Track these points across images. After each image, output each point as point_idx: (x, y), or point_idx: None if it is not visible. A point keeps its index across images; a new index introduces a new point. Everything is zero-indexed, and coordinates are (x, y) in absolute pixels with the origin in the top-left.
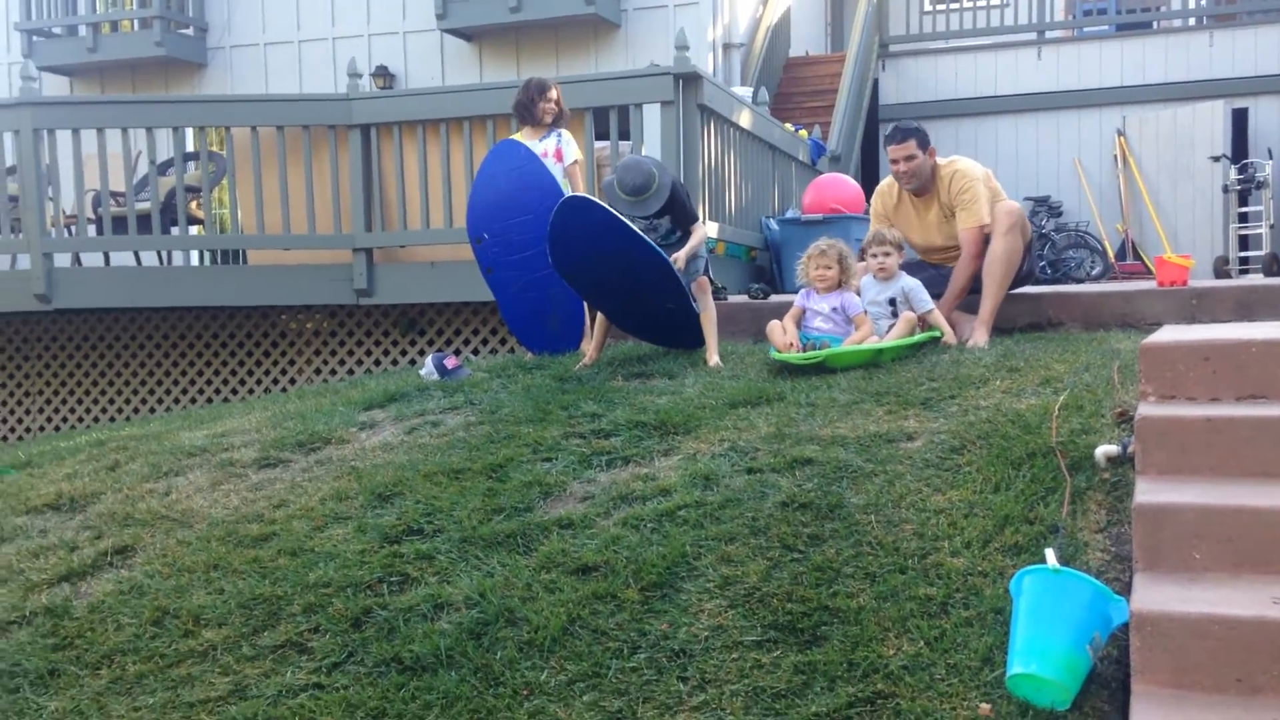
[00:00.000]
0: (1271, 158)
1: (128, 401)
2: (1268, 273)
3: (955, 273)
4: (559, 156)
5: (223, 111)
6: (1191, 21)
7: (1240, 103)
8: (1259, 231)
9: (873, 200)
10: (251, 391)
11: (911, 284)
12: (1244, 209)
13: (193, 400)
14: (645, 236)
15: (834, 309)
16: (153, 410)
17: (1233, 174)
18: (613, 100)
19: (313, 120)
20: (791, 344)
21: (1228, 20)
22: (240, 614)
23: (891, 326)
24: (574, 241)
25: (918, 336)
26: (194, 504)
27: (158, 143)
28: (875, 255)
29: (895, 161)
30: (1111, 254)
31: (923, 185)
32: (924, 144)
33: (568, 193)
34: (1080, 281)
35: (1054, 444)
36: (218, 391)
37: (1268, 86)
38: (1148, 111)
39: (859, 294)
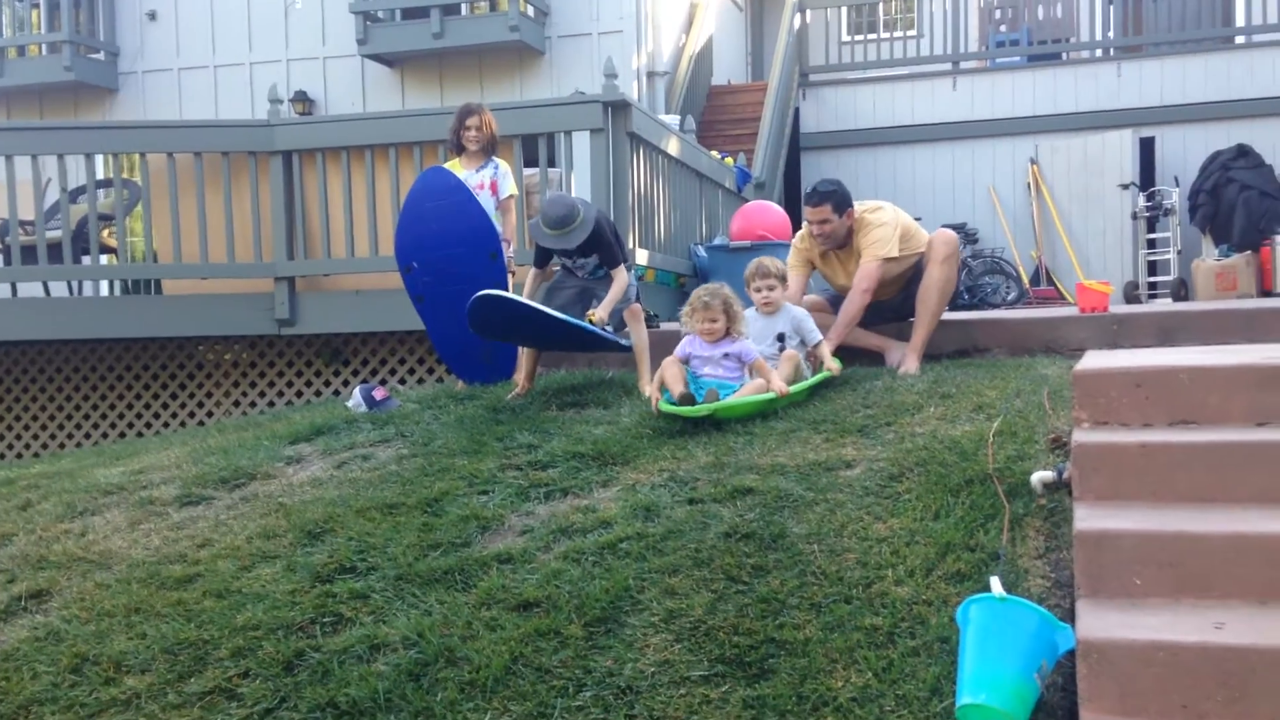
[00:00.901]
0: (1178, 185)
1: (35, 437)
2: (1176, 297)
3: (845, 303)
4: (494, 189)
5: (139, 138)
6: (1099, 53)
7: (1147, 131)
8: (1167, 257)
9: (794, 243)
10: (167, 426)
11: (799, 314)
12: (1152, 235)
13: (105, 436)
14: (564, 317)
15: (725, 354)
16: (62, 446)
17: (1141, 201)
18: (542, 128)
19: (233, 147)
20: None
21: (1134, 52)
22: (165, 659)
23: (776, 370)
24: (494, 323)
25: (811, 380)
26: (112, 545)
27: (70, 170)
28: (759, 290)
29: (810, 223)
30: (1026, 280)
31: (840, 243)
32: (840, 208)
33: (498, 225)
34: (996, 307)
35: (991, 470)
36: (130, 426)
37: (1173, 116)
38: (1059, 140)
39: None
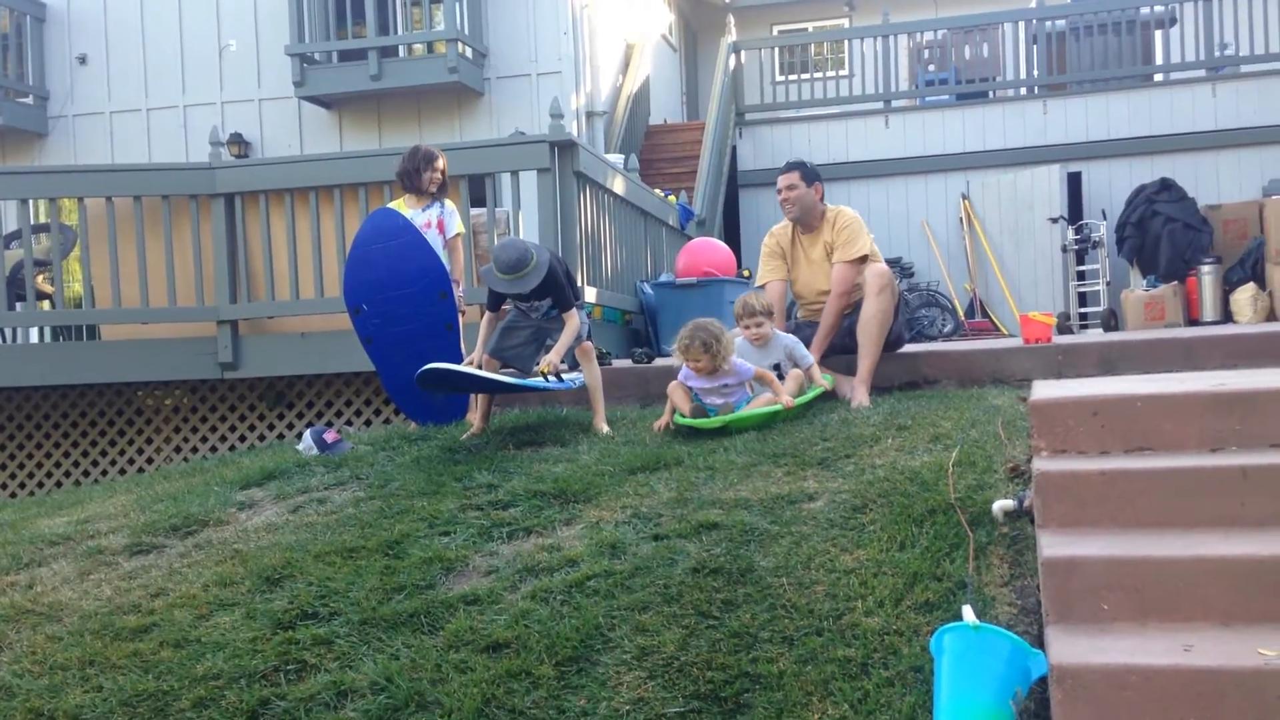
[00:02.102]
0: (1105, 218)
1: None
2: (1106, 328)
3: (825, 310)
4: (440, 228)
5: (77, 182)
6: (1025, 91)
7: (1075, 166)
8: (1096, 289)
9: (765, 240)
10: (106, 474)
11: (790, 340)
12: (1081, 267)
13: (40, 485)
14: (516, 382)
15: (724, 385)
16: None
17: (1070, 234)
18: (489, 168)
19: (173, 190)
20: (696, 409)
21: (1059, 90)
22: (123, 712)
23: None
24: (445, 385)
25: (811, 392)
26: (62, 596)
27: (2, 215)
28: (748, 327)
29: (779, 190)
30: (961, 312)
31: (808, 221)
32: (808, 178)
33: (447, 265)
34: (933, 339)
35: (952, 500)
36: (69, 475)
37: (1098, 151)
38: (989, 176)
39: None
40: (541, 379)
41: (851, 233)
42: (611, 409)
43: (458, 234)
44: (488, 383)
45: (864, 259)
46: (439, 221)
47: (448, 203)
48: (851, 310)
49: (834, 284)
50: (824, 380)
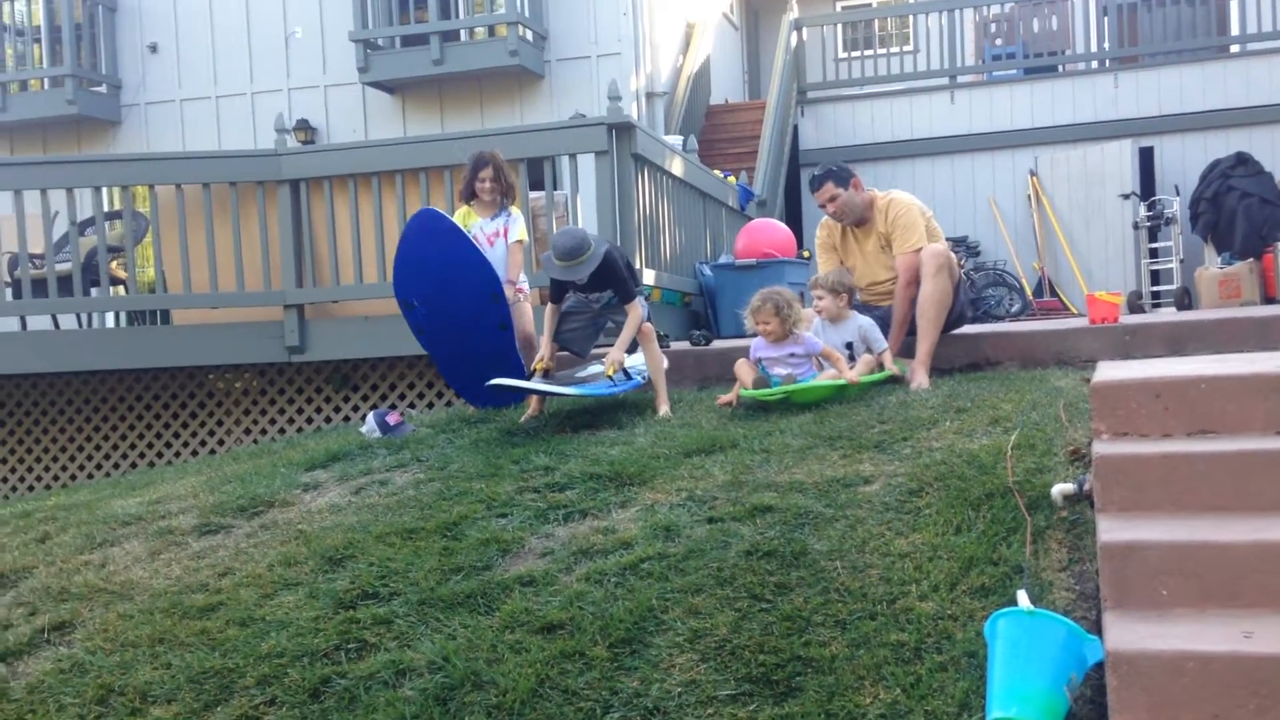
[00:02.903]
0: (1178, 194)
1: (47, 470)
2: (1180, 306)
3: (895, 301)
4: (506, 235)
5: (147, 170)
6: (1096, 64)
7: (1146, 141)
8: (1169, 266)
9: (818, 232)
10: (178, 455)
11: (867, 323)
12: (1154, 245)
13: (116, 466)
14: (575, 392)
15: (790, 354)
16: (74, 479)
17: (1142, 211)
18: (547, 151)
19: (240, 177)
20: (759, 380)
21: (1130, 62)
22: (190, 689)
23: (851, 369)
24: (507, 396)
25: (879, 374)
26: (133, 575)
27: (78, 203)
28: (819, 300)
29: (823, 206)
30: (1029, 291)
31: (860, 217)
32: (841, 181)
33: (501, 272)
34: (1000, 319)
35: (1011, 484)
36: (142, 456)
37: (1171, 125)
38: (1058, 152)
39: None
40: (608, 381)
41: (906, 222)
42: (670, 391)
43: (519, 240)
44: (554, 393)
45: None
46: (505, 229)
47: (514, 210)
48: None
49: (900, 274)
50: (895, 367)
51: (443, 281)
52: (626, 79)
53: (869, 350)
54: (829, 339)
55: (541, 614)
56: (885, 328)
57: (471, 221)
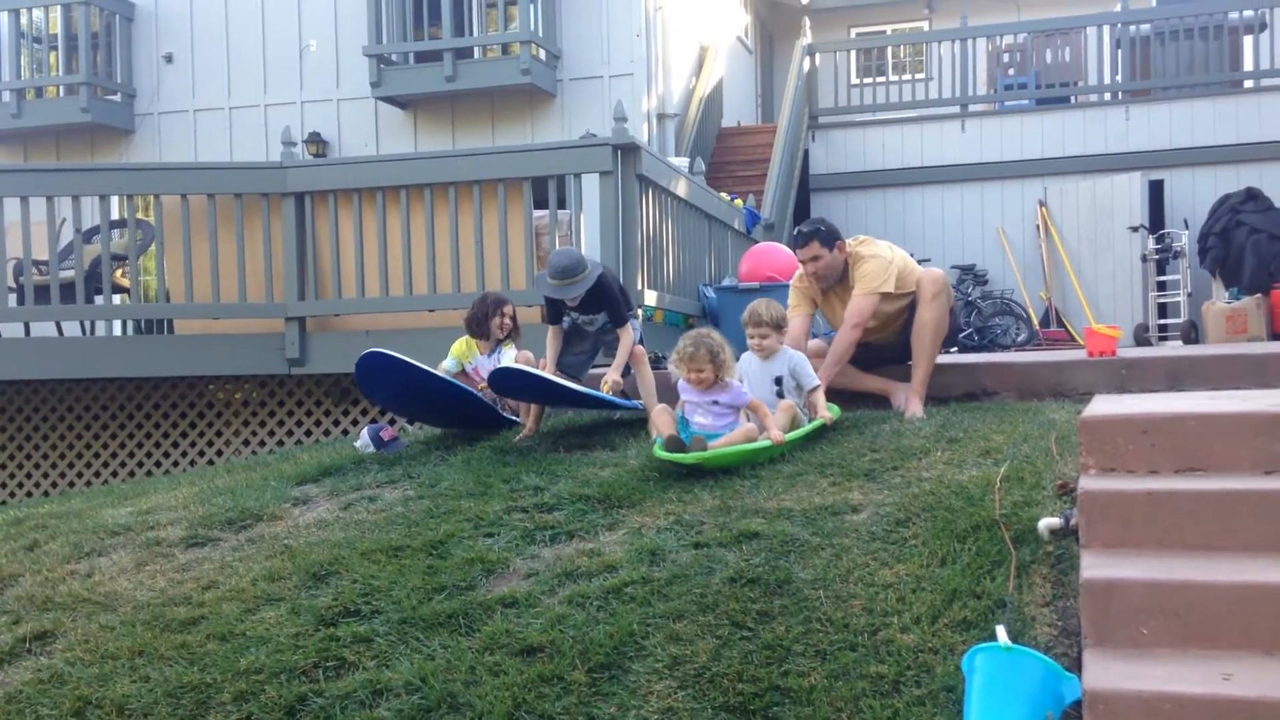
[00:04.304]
0: (1187, 228)
1: (45, 476)
2: (1186, 340)
3: (835, 340)
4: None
5: (153, 179)
6: (1108, 96)
7: (1156, 174)
8: (1177, 299)
9: (793, 282)
10: (176, 465)
11: (796, 358)
12: (1162, 278)
13: (114, 475)
14: (583, 389)
15: (714, 401)
16: (72, 485)
17: (1150, 244)
18: (552, 170)
19: (246, 188)
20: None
21: (1142, 95)
22: (167, 703)
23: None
24: (518, 389)
25: (809, 426)
26: (118, 586)
27: (84, 211)
28: (752, 337)
29: (804, 263)
30: (1036, 321)
31: (838, 278)
32: (828, 242)
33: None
34: (1006, 348)
35: (997, 517)
36: (140, 465)
37: (1181, 159)
38: (1068, 183)
39: (740, 378)
40: (607, 395)
41: (872, 269)
42: None
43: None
44: (563, 390)
45: (888, 294)
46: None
47: (509, 348)
48: (904, 325)
49: (848, 315)
50: (828, 412)
51: (416, 399)
52: (638, 100)
53: (798, 386)
54: (759, 373)
55: (522, 636)
56: (880, 360)
57: (474, 355)
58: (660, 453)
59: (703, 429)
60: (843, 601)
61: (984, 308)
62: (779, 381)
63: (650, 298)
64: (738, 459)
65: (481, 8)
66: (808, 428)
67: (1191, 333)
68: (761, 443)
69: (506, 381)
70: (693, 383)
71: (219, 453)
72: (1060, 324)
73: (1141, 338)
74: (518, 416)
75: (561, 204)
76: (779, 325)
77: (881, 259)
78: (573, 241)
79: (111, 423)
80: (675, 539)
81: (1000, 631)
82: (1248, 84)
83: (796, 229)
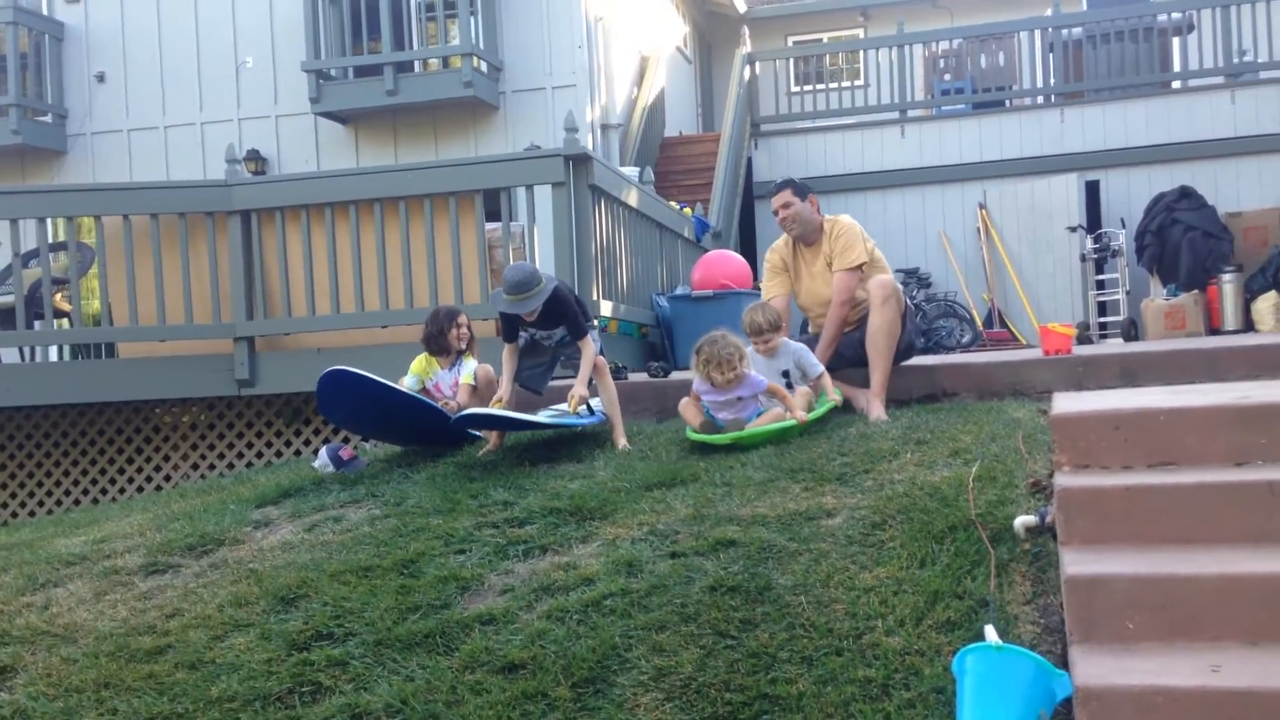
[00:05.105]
0: (1124, 227)
1: None
2: (1126, 337)
3: (827, 319)
4: (454, 387)
5: (94, 200)
6: (1042, 99)
7: (1092, 175)
8: (1116, 298)
9: (767, 255)
10: (124, 491)
11: (799, 348)
12: (1100, 276)
13: (59, 503)
14: (545, 422)
15: (737, 397)
16: (15, 515)
17: (1089, 243)
18: (504, 182)
19: (190, 208)
20: (705, 423)
21: (1076, 98)
22: None
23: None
24: (477, 424)
25: (822, 408)
26: (77, 617)
27: (21, 234)
28: (756, 345)
29: (776, 212)
30: (980, 322)
31: (808, 234)
32: (800, 192)
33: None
34: (951, 350)
35: (973, 516)
36: (85, 493)
37: (1116, 160)
38: (1007, 185)
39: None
40: (574, 416)
41: (847, 240)
42: (628, 423)
43: (468, 382)
44: (524, 424)
45: (862, 266)
46: (456, 381)
47: (469, 360)
48: (860, 322)
49: (834, 293)
50: (835, 394)
51: (378, 417)
52: (581, 111)
53: (804, 375)
54: (766, 369)
55: (502, 653)
56: (841, 363)
57: (434, 371)
58: (693, 435)
59: (726, 422)
60: (825, 607)
61: (928, 310)
62: (786, 374)
63: (605, 308)
64: (768, 437)
65: (421, 21)
66: (823, 408)
67: (1131, 330)
68: (788, 421)
69: (471, 423)
70: (725, 384)
71: (167, 478)
72: (1003, 324)
73: (1083, 336)
74: (480, 432)
75: (513, 216)
76: (776, 326)
77: (854, 231)
78: (526, 254)
79: (55, 450)
80: (651, 549)
81: (989, 631)
82: (1176, 85)
83: (773, 184)
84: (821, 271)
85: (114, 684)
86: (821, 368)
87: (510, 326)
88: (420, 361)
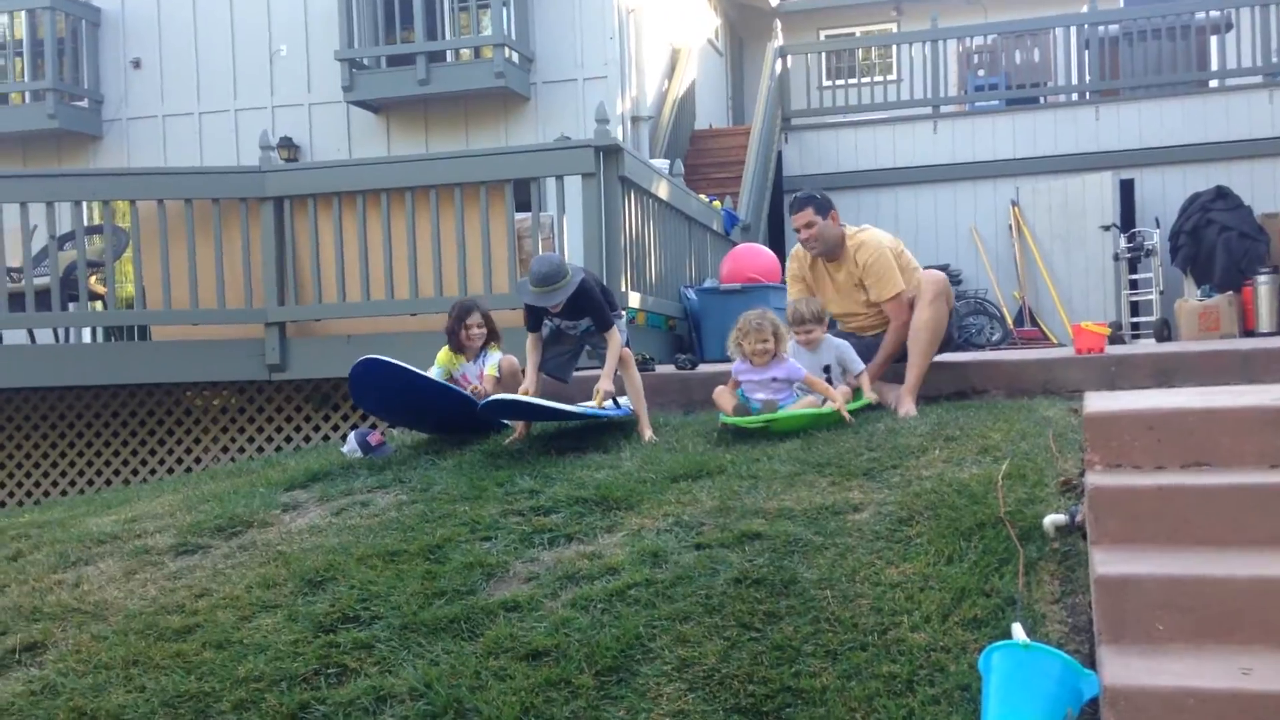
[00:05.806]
0: (1158, 226)
1: (20, 485)
2: (1159, 338)
3: (886, 339)
4: (480, 378)
5: (130, 185)
6: (1077, 97)
7: (1127, 173)
8: (1149, 298)
9: (788, 263)
10: (154, 473)
11: (841, 345)
12: (1134, 276)
13: (91, 483)
14: (573, 410)
15: (773, 378)
16: (47, 495)
17: (1122, 242)
18: (534, 172)
19: (224, 193)
20: (739, 407)
21: (1111, 95)
22: (164, 713)
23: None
24: (505, 413)
25: (857, 402)
26: (108, 595)
27: (57, 217)
28: (798, 336)
29: (798, 230)
30: (1010, 320)
31: (830, 251)
32: (822, 210)
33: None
34: (980, 347)
35: (1002, 514)
36: (117, 473)
37: (1151, 158)
38: (1040, 182)
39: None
40: (600, 409)
41: (880, 269)
42: (654, 415)
43: (491, 374)
44: (551, 412)
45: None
46: (482, 374)
47: (494, 351)
48: (883, 326)
49: (892, 320)
50: (872, 394)
51: (408, 405)
52: (612, 102)
53: (845, 371)
54: (808, 363)
55: (527, 640)
56: (867, 357)
57: (461, 362)
58: (727, 419)
59: (764, 406)
60: (850, 601)
61: (959, 307)
62: (827, 370)
63: (634, 299)
64: (803, 423)
65: (454, 11)
66: (859, 402)
67: (1164, 330)
68: (827, 408)
69: (498, 411)
70: (756, 355)
71: (197, 460)
72: (1034, 323)
73: (1115, 336)
74: (507, 421)
75: (543, 206)
76: (820, 319)
77: (883, 256)
78: (555, 244)
79: (87, 431)
80: (676, 540)
81: (1017, 629)
82: (1214, 84)
83: (794, 197)
84: (845, 285)
85: (142, 661)
86: (863, 365)
87: (534, 316)
88: (445, 353)
